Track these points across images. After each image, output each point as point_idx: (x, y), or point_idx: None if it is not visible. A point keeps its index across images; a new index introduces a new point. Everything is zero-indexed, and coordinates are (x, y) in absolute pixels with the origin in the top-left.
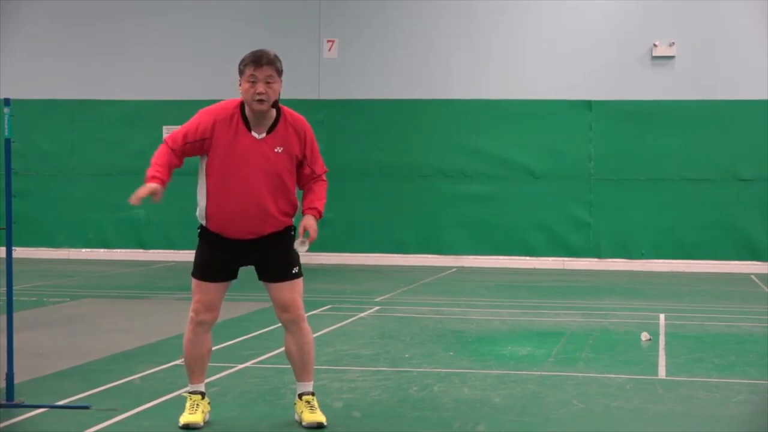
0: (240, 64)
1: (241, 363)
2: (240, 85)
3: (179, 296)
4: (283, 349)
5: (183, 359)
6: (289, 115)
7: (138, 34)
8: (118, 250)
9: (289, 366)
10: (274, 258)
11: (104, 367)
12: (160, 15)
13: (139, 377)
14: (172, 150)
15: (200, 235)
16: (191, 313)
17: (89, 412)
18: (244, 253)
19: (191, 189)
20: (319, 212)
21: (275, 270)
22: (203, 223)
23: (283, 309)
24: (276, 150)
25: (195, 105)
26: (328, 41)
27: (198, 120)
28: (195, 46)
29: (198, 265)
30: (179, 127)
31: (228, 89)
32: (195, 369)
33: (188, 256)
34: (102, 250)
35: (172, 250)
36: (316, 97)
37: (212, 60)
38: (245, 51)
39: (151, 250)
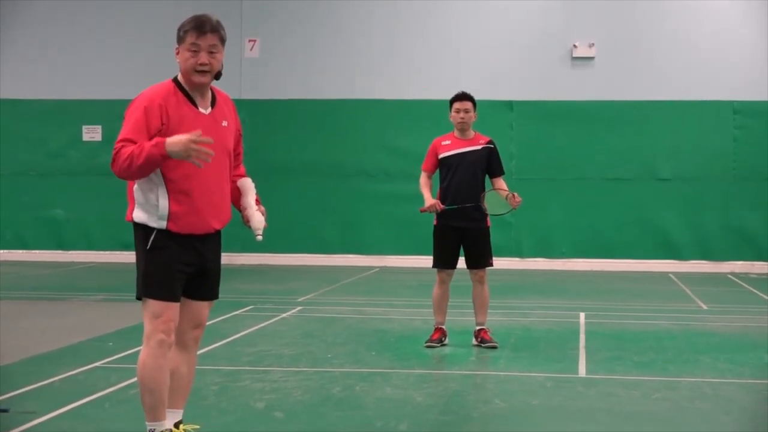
0: (179, 30)
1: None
2: (177, 53)
3: (99, 297)
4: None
5: (145, 397)
6: (216, 89)
7: (56, 34)
8: (37, 251)
9: (210, 367)
10: (214, 271)
11: (23, 369)
12: (78, 15)
13: (59, 379)
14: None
15: (153, 244)
16: (161, 336)
17: (7, 415)
18: (197, 255)
19: (110, 189)
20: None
21: (210, 287)
22: (160, 226)
23: (195, 326)
24: (223, 124)
25: (114, 104)
26: (250, 41)
27: (143, 112)
28: (114, 46)
29: (160, 282)
30: (123, 129)
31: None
32: (164, 399)
33: (108, 256)
34: (20, 251)
35: (91, 251)
36: (237, 97)
37: (131, 60)
38: (164, 51)
39: (70, 251)
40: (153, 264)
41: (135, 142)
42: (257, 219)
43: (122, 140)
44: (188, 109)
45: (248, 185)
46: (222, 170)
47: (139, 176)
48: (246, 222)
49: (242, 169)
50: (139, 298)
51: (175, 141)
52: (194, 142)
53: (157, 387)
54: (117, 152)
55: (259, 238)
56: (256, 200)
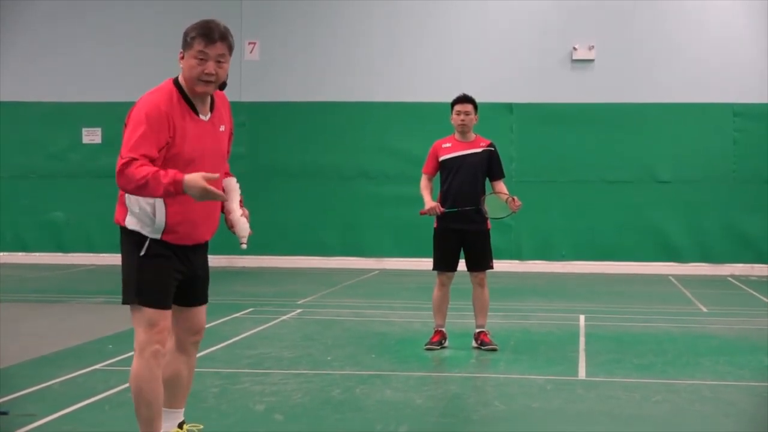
0: (186, 35)
1: None
2: (182, 57)
3: (98, 300)
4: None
5: (141, 409)
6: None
7: (56, 36)
8: (37, 254)
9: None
10: (203, 278)
11: (22, 372)
12: (78, 18)
13: (58, 382)
14: (153, 162)
15: (147, 252)
16: (156, 346)
17: (7, 418)
18: (188, 264)
19: (110, 191)
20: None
21: (201, 292)
22: (155, 236)
23: (195, 332)
24: (221, 129)
25: (113, 107)
26: (249, 43)
27: (150, 124)
28: (114, 48)
29: (156, 290)
30: (126, 139)
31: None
32: (160, 409)
33: (108, 259)
34: (20, 253)
35: (91, 254)
36: (237, 99)
37: (131, 63)
38: (165, 53)
39: (70, 254)
40: (148, 271)
41: (148, 157)
42: (242, 226)
43: (135, 154)
44: (190, 118)
45: (233, 186)
46: (219, 179)
47: (144, 196)
48: (230, 227)
49: (227, 166)
50: (125, 303)
51: (192, 185)
52: (210, 192)
53: (154, 399)
54: (128, 166)
55: (244, 246)
56: (240, 202)
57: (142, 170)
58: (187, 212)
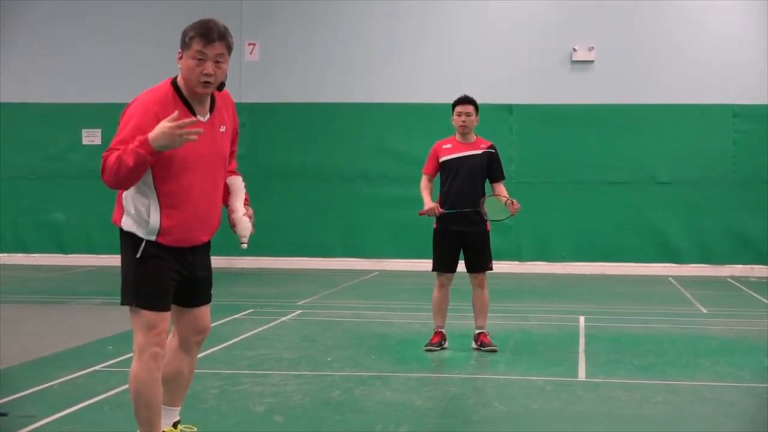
0: (185, 35)
1: None
2: (180, 58)
3: (98, 301)
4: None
5: (141, 410)
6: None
7: (56, 37)
8: (37, 255)
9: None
10: (205, 279)
11: (23, 373)
12: (78, 17)
13: (58, 383)
14: None
15: (143, 254)
16: (155, 349)
17: (7, 419)
18: (186, 265)
19: (110, 192)
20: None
21: (204, 293)
22: (150, 238)
23: (199, 332)
24: (221, 130)
25: (113, 108)
26: (249, 44)
27: (137, 122)
28: (114, 48)
29: (153, 292)
30: (115, 137)
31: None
32: (160, 410)
33: (108, 260)
34: (20, 254)
35: (91, 255)
36: (237, 100)
37: (131, 63)
38: (165, 54)
39: (70, 255)
40: (144, 273)
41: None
42: (243, 226)
43: (110, 149)
44: (184, 116)
45: (237, 185)
46: (216, 181)
47: (130, 181)
48: (232, 226)
49: (234, 164)
50: (124, 305)
51: (158, 135)
52: (178, 127)
53: (153, 400)
54: (104, 160)
55: (244, 245)
56: (245, 200)
57: (113, 155)
58: (181, 215)
